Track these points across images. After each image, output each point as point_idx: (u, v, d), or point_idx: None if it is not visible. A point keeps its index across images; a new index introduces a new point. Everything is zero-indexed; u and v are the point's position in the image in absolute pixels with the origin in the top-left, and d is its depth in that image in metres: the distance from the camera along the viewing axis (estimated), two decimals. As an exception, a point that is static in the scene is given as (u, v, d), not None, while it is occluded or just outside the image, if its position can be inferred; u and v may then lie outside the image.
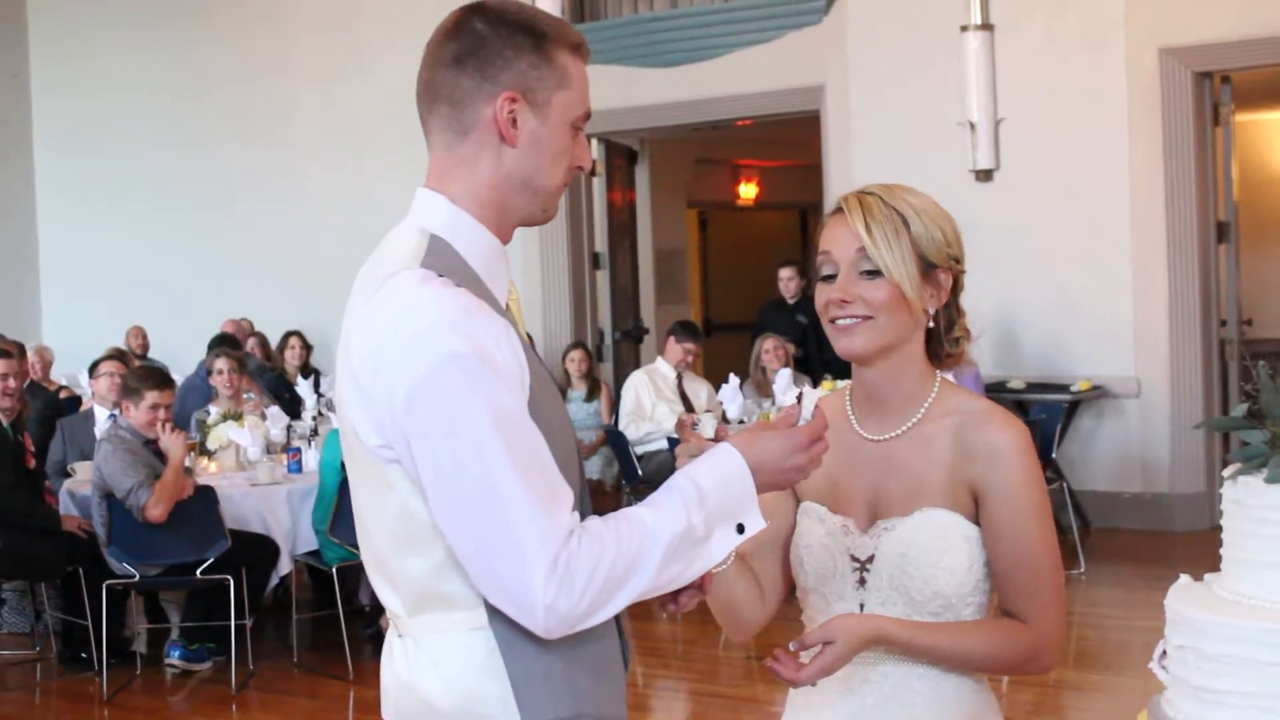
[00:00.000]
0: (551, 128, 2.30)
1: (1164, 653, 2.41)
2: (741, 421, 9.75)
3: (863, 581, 2.54)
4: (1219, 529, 2.45)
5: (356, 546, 7.62)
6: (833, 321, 2.53)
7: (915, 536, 2.48)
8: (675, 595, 2.40)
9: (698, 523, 2.18)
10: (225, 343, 11.82)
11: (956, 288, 2.58)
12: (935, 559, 2.47)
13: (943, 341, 2.60)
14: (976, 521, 2.49)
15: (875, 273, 2.49)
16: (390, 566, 2.28)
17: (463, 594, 2.21)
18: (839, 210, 2.56)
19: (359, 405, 2.22)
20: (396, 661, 2.34)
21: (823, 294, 2.55)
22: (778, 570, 2.69)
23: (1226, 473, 2.38)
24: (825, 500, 2.61)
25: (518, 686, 2.21)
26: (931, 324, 2.56)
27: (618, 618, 2.33)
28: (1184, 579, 2.48)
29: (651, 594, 2.20)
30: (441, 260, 2.23)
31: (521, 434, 2.14)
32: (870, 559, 2.53)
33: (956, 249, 2.55)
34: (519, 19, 2.30)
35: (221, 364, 9.55)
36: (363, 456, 2.25)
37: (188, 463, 7.78)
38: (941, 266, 2.53)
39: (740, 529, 2.24)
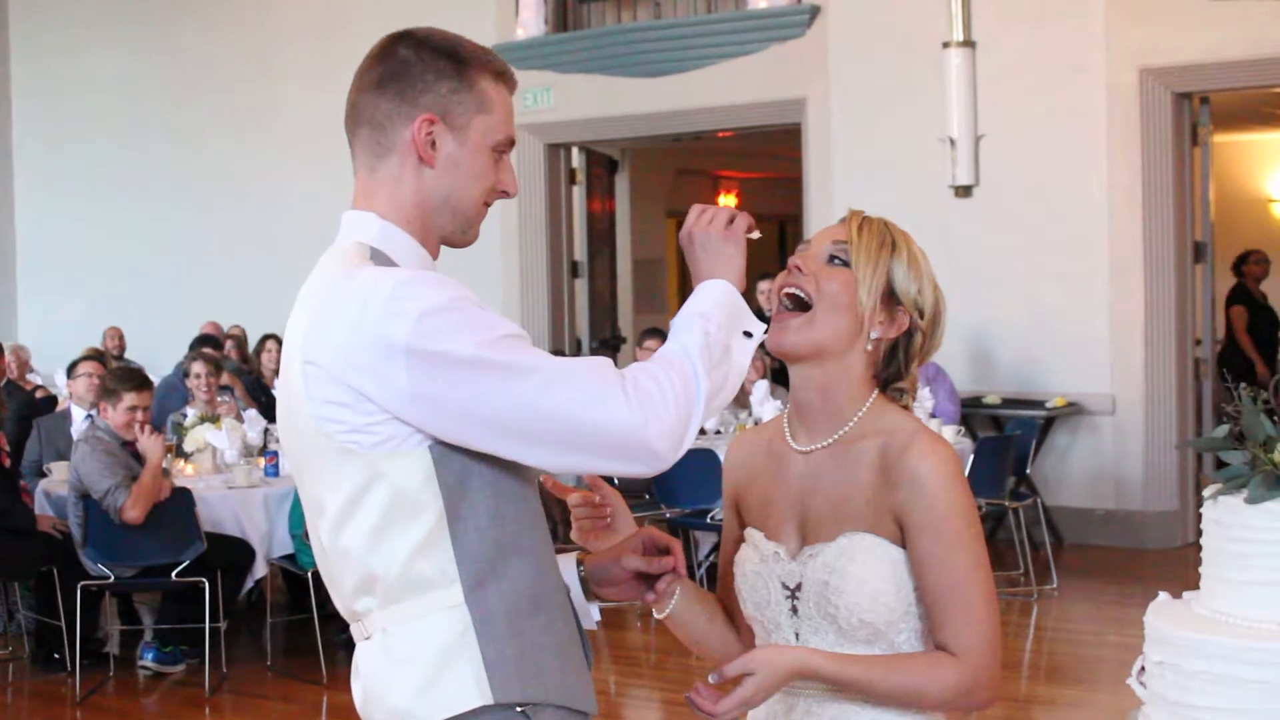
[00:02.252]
0: (470, 150, 2.37)
1: (1142, 669, 2.43)
2: (719, 432, 9.77)
3: (795, 610, 2.49)
4: (1191, 546, 2.48)
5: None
6: (781, 298, 2.50)
7: (837, 564, 2.43)
8: (653, 584, 2.50)
9: (714, 331, 2.30)
10: (206, 344, 11.80)
11: (911, 342, 2.53)
12: (858, 586, 2.41)
13: (886, 390, 2.55)
14: (904, 545, 2.42)
15: (841, 264, 2.48)
16: (368, 561, 2.29)
17: (439, 573, 2.26)
18: (843, 220, 2.56)
19: (333, 396, 2.23)
20: (362, 668, 2.37)
21: (782, 273, 2.54)
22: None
23: (1207, 492, 2.41)
24: (761, 522, 2.58)
25: (490, 666, 2.25)
26: (870, 349, 2.50)
27: (576, 615, 2.43)
28: (1163, 596, 2.51)
29: (714, 403, 2.29)
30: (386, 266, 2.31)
31: (527, 336, 2.25)
32: (799, 587, 2.48)
33: (927, 309, 2.51)
34: (442, 45, 2.39)
35: (198, 368, 9.53)
36: (333, 455, 2.27)
37: (165, 464, 7.77)
38: (904, 307, 2.50)
39: (748, 334, 2.37)
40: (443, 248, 2.45)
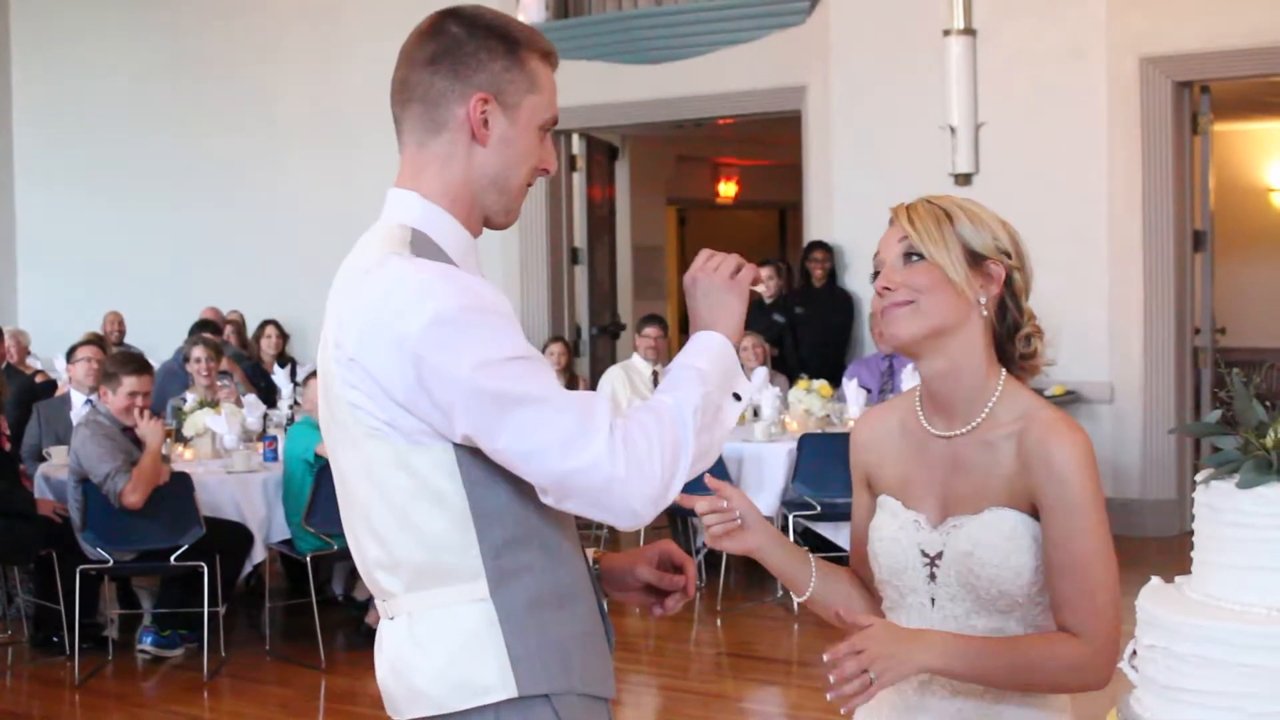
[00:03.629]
0: (520, 129, 2.39)
1: (1134, 652, 2.44)
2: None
3: (933, 576, 2.56)
4: (1189, 534, 2.48)
5: (331, 536, 7.61)
6: (881, 314, 2.56)
7: (982, 536, 2.50)
8: (663, 599, 2.50)
9: (711, 391, 2.31)
10: (205, 329, 11.80)
11: (1014, 285, 2.61)
12: (1002, 559, 2.49)
13: (1013, 342, 2.63)
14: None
15: (918, 257, 2.53)
16: (394, 546, 2.31)
17: (464, 565, 2.28)
18: (891, 221, 2.61)
19: (358, 383, 2.27)
20: (387, 646, 2.39)
21: (874, 299, 2.60)
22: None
23: (1199, 477, 2.42)
24: (899, 494, 2.65)
25: (515, 659, 2.27)
26: (986, 313, 2.57)
27: (600, 601, 2.44)
28: (1155, 580, 2.52)
29: (697, 467, 2.30)
30: (425, 251, 2.32)
31: (536, 359, 2.25)
32: (939, 555, 2.55)
33: (1011, 248, 2.59)
34: (493, 24, 2.40)
35: (198, 352, 9.56)
36: (362, 439, 2.30)
37: (164, 449, 7.78)
38: (991, 258, 2.56)
39: (737, 397, 2.38)
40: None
